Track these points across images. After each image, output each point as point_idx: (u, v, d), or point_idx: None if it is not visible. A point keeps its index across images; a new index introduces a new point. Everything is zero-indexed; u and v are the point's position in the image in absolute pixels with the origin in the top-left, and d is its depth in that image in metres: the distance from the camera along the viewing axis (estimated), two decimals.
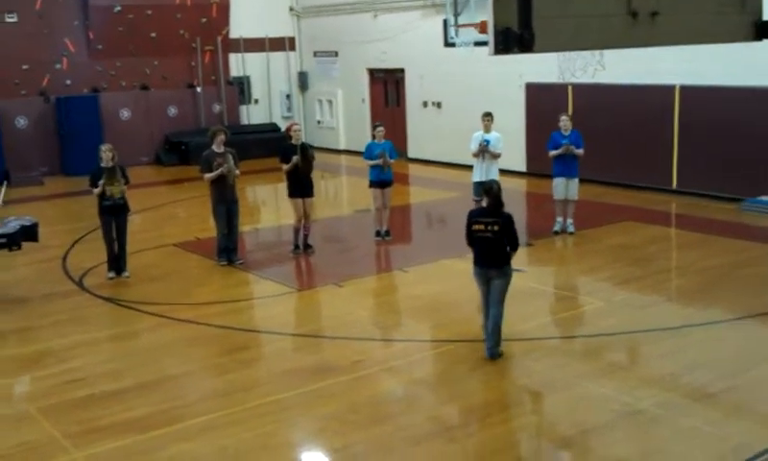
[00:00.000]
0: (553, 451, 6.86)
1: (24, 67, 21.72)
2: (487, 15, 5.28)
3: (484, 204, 8.68)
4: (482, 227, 8.43)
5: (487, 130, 13.49)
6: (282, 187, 13.22)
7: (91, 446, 7.01)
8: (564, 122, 13.42)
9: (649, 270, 11.64)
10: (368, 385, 8.17)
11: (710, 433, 6.91)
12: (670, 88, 16.30)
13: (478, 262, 8.54)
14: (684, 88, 16.13)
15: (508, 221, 8.44)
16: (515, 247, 8.55)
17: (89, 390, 8.18)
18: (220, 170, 12.00)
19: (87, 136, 20.20)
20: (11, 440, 7.20)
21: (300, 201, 12.75)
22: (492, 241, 8.40)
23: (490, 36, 5.28)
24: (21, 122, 21.85)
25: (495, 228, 8.37)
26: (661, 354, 8.67)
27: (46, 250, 13.15)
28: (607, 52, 16.61)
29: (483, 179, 13.43)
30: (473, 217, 8.61)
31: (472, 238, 8.55)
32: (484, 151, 13.37)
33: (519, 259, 12.55)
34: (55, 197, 19.24)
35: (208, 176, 12.13)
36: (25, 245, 11.35)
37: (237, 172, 12.26)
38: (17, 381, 8.76)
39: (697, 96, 15.97)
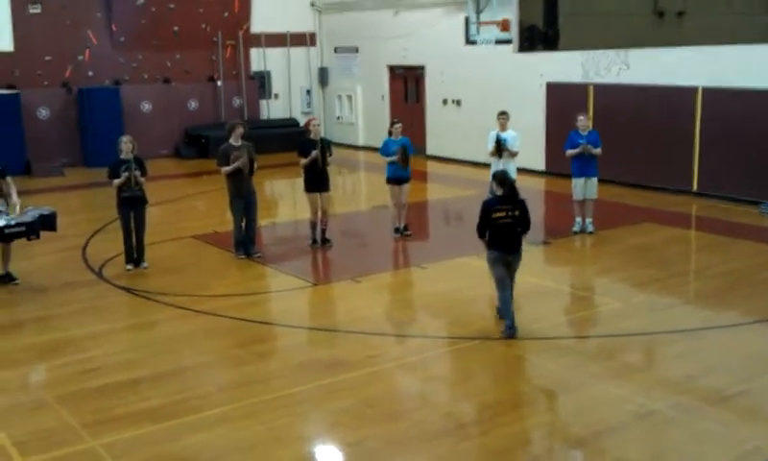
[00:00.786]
0: (566, 451, 6.83)
1: (47, 58, 21.88)
2: (510, 13, 5.29)
3: (498, 192, 9.06)
4: (503, 214, 8.93)
5: (503, 128, 13.45)
6: (300, 182, 13.25)
7: (107, 435, 7.06)
8: (582, 122, 13.36)
9: (667, 272, 11.58)
10: (382, 381, 8.18)
11: (725, 436, 6.87)
12: (692, 90, 16.19)
13: (501, 248, 9.00)
14: (706, 90, 16.02)
15: (525, 206, 9.11)
16: (527, 229, 9.18)
17: (106, 379, 8.24)
18: (236, 164, 12.04)
19: (108, 128, 20.35)
20: (28, 427, 7.27)
21: (316, 195, 12.79)
22: (512, 226, 8.97)
23: (514, 34, 5.28)
24: (43, 113, 22.01)
25: (516, 213, 8.97)
26: (677, 356, 8.63)
27: (66, 240, 13.27)
28: (632, 51, 16.52)
29: None
30: (492, 206, 8.99)
31: (491, 226, 8.94)
32: (502, 149, 13.32)
33: (536, 258, 12.67)
34: (75, 188, 19.36)
35: (225, 169, 12.17)
36: (45, 234, 11.45)
37: (256, 165, 12.30)
38: (35, 369, 8.83)
39: (719, 98, 15.86)
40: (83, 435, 7.08)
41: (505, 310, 9.14)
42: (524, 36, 5.28)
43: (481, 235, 9.09)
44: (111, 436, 7.04)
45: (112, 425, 7.24)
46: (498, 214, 8.91)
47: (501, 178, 9.12)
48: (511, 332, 9.04)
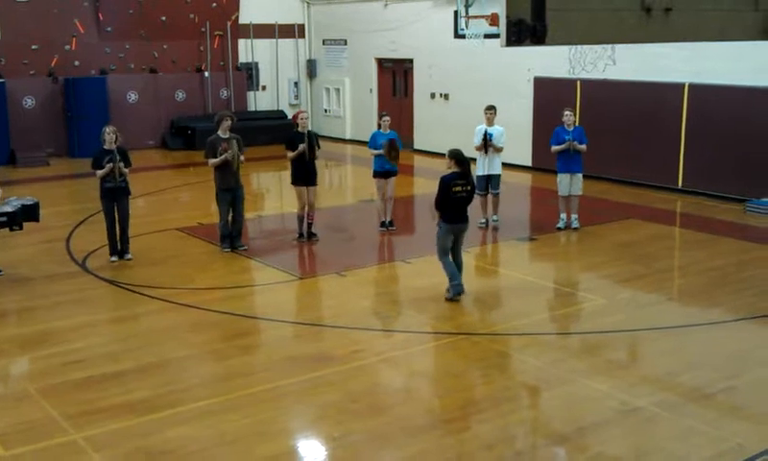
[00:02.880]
0: (548, 447, 6.86)
1: (33, 47, 21.74)
2: (499, 7, 5.25)
3: (455, 169, 10.01)
4: (460, 188, 9.97)
5: (490, 123, 13.46)
6: (287, 175, 13.24)
7: (89, 427, 7.03)
8: (568, 117, 13.36)
9: (652, 268, 11.62)
10: (366, 375, 8.18)
11: (707, 433, 6.91)
12: (679, 86, 16.24)
13: (455, 220, 10.05)
14: (692, 86, 16.08)
15: (473, 181, 10.30)
16: (471, 200, 10.27)
17: (89, 372, 8.20)
18: (224, 156, 12.00)
19: (94, 118, 20.25)
20: (10, 419, 7.23)
21: (303, 189, 12.76)
22: (466, 199, 10.06)
23: (502, 28, 5.25)
24: (29, 102, 21.87)
25: (469, 188, 10.06)
26: (661, 353, 8.67)
27: (50, 230, 13.20)
28: (618, 47, 16.56)
29: (486, 172, 13.49)
30: (451, 180, 9.96)
31: (449, 199, 9.91)
32: (488, 145, 13.35)
33: (520, 254, 12.71)
34: (60, 178, 19.25)
35: (213, 161, 12.13)
36: (30, 225, 11.38)
37: (242, 158, 12.27)
38: (18, 361, 8.79)
39: (705, 95, 15.91)
40: (65, 427, 7.05)
41: (452, 272, 10.09)
42: (512, 31, 5.25)
43: (439, 208, 10.01)
44: (94, 429, 7.01)
45: (95, 418, 7.20)
46: (456, 188, 9.93)
47: (461, 157, 10.04)
48: (458, 289, 10.07)
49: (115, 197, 11.69)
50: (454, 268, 10.14)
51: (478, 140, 13.39)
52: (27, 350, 8.95)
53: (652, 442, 6.77)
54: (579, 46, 17.26)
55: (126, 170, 11.65)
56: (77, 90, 21.83)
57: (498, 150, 13.38)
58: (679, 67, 15.93)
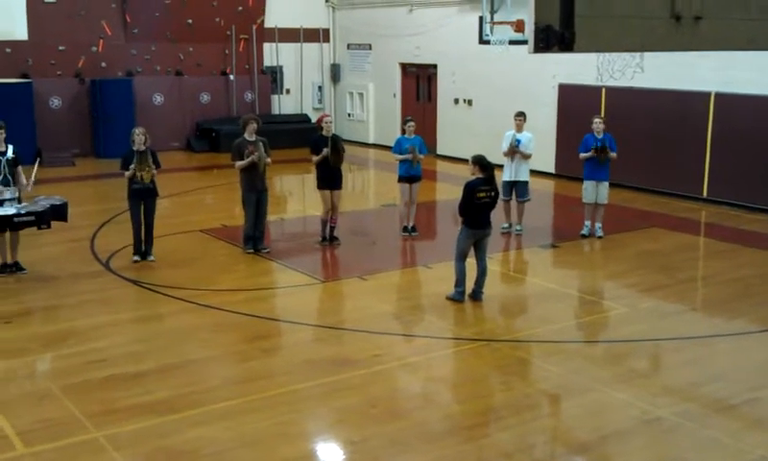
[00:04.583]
0: (569, 456, 6.81)
1: (60, 48, 21.93)
2: (527, 13, 5.24)
3: (479, 175, 10.09)
4: (484, 194, 10.08)
5: (519, 129, 13.44)
6: (310, 178, 13.28)
7: (111, 426, 7.07)
8: (597, 125, 13.28)
9: (675, 278, 11.54)
10: (387, 380, 8.18)
11: (730, 445, 6.84)
12: (705, 95, 16.11)
13: (478, 225, 10.12)
14: (719, 95, 15.95)
15: (497, 186, 10.43)
16: (494, 206, 10.40)
17: (111, 371, 8.25)
18: (251, 158, 12.04)
19: (120, 120, 20.40)
20: (32, 416, 7.28)
21: (328, 192, 12.78)
22: (489, 205, 10.19)
23: (530, 34, 5.23)
24: (55, 102, 22.05)
25: (492, 194, 10.19)
26: (684, 363, 8.59)
27: (75, 230, 13.29)
28: (647, 55, 16.46)
29: (512, 178, 13.45)
30: (476, 186, 10.05)
31: (474, 205, 10.02)
32: (515, 151, 13.33)
33: (543, 261, 12.65)
34: (85, 178, 19.39)
35: (239, 163, 12.17)
36: (55, 224, 11.45)
37: (268, 160, 12.30)
38: (41, 359, 8.85)
39: (732, 104, 15.79)
40: (87, 426, 7.09)
41: (460, 279, 10.23)
42: (540, 37, 5.23)
43: (463, 214, 10.11)
44: (115, 428, 7.05)
45: (116, 417, 7.25)
46: (481, 194, 10.02)
47: (484, 162, 10.12)
48: (459, 297, 10.22)
49: (143, 198, 11.76)
50: (464, 276, 10.23)
51: (506, 146, 13.36)
52: (50, 348, 9.02)
53: (674, 452, 6.72)
54: (607, 54, 17.17)
55: (155, 171, 11.70)
56: (103, 92, 21.98)
57: (527, 156, 13.35)
58: (706, 76, 15.80)
